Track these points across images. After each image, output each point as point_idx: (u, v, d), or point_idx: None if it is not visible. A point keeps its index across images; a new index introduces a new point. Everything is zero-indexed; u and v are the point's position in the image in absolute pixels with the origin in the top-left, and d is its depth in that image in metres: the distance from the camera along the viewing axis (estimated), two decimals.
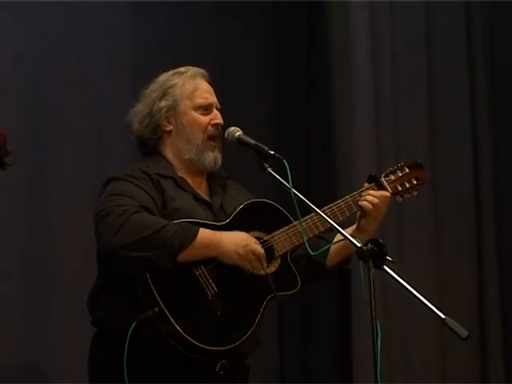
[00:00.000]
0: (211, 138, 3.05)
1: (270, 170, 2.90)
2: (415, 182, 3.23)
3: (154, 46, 4.48)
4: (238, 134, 3.02)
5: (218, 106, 3.11)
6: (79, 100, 4.19)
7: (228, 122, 3.11)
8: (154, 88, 3.09)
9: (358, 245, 2.59)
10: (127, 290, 2.79)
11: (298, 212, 2.86)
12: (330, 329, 4.98)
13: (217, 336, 2.78)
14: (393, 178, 3.19)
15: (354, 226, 3.11)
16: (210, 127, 3.05)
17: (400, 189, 3.19)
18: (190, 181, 3.04)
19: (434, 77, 5.08)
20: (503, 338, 5.08)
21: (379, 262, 2.55)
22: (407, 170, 3.22)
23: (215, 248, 2.84)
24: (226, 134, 3.05)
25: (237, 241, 2.87)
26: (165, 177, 2.97)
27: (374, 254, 2.55)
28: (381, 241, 2.57)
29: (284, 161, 2.83)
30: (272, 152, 2.91)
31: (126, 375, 2.72)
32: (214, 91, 3.14)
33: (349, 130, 4.82)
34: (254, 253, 2.87)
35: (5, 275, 3.91)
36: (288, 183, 2.79)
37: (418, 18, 5.04)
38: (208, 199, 3.05)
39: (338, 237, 3.02)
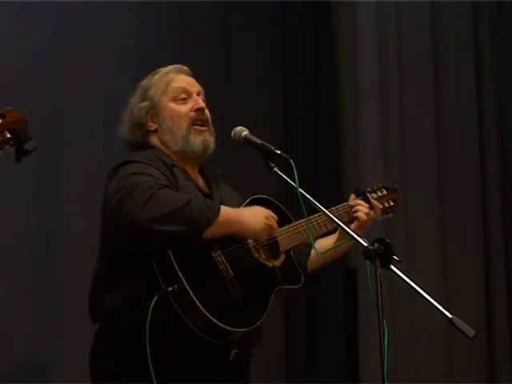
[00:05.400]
0: (195, 123, 3.06)
1: (276, 169, 2.91)
2: (392, 204, 3.43)
3: (163, 45, 4.49)
4: (244, 133, 3.02)
5: (201, 93, 3.12)
6: (89, 99, 4.20)
7: (235, 120, 3.12)
8: (135, 93, 3.15)
9: (365, 244, 2.60)
10: (144, 278, 2.75)
11: (305, 211, 2.87)
12: (337, 328, 4.98)
13: (233, 318, 2.77)
14: (375, 196, 3.37)
15: (336, 234, 3.21)
16: (191, 113, 3.06)
17: (381, 207, 3.36)
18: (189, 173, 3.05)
19: (440, 76, 5.08)
20: (511, 337, 5.08)
21: (386, 261, 2.55)
22: (385, 192, 3.42)
23: (238, 225, 2.86)
24: (232, 134, 3.05)
25: (257, 213, 2.91)
26: (172, 165, 2.98)
27: (381, 253, 2.55)
28: (387, 240, 2.57)
29: (290, 160, 2.84)
30: (278, 151, 2.92)
31: (150, 361, 2.68)
32: (203, 87, 3.16)
33: (355, 129, 4.82)
34: (273, 218, 2.93)
35: (12, 275, 3.92)
36: (294, 183, 2.79)
37: (424, 18, 5.04)
38: (209, 192, 3.06)
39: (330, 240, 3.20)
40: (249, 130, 3.04)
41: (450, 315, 2.47)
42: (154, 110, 3.07)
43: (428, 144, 4.98)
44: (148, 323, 2.68)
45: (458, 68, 5.13)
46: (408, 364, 4.77)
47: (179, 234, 2.73)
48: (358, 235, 2.74)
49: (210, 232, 2.78)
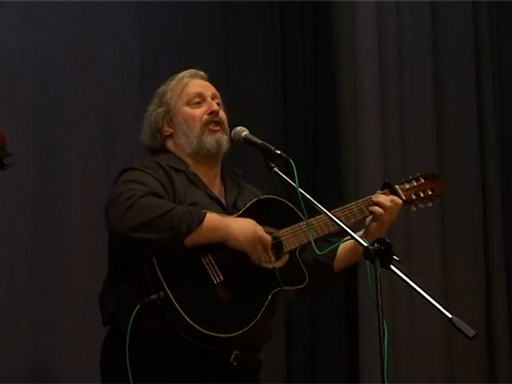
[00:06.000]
0: (208, 124, 3.07)
1: (276, 169, 2.91)
2: (430, 193, 3.29)
3: (163, 45, 4.49)
4: (244, 133, 3.03)
5: (216, 97, 3.14)
6: (89, 99, 4.19)
7: (235, 120, 3.12)
8: (152, 100, 3.18)
9: (365, 244, 2.60)
10: (138, 282, 2.78)
11: (305, 211, 2.87)
12: (337, 328, 4.98)
13: (219, 323, 2.77)
14: (407, 186, 3.25)
15: (362, 231, 3.12)
16: (205, 116, 3.07)
17: (414, 197, 3.25)
18: (202, 176, 3.05)
19: (440, 75, 5.08)
20: (511, 337, 5.07)
21: (386, 261, 2.55)
22: (422, 181, 3.28)
23: (223, 232, 2.84)
24: (232, 134, 3.06)
25: (245, 226, 2.88)
26: (177, 170, 3.00)
27: (381, 253, 2.55)
28: (388, 240, 2.57)
29: (291, 160, 2.84)
30: (279, 152, 2.92)
31: (128, 363, 2.72)
32: (218, 90, 3.18)
33: (355, 129, 4.81)
34: (261, 240, 2.87)
35: (12, 275, 3.91)
36: (295, 183, 2.79)
37: (424, 18, 5.04)
38: (220, 197, 3.06)
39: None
40: (249, 129, 3.04)
41: (450, 315, 2.48)
42: (170, 115, 3.10)
43: (428, 144, 4.97)
44: (128, 334, 2.72)
45: (458, 68, 5.13)
46: (408, 364, 4.76)
47: (159, 242, 2.75)
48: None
49: (194, 238, 2.78)
